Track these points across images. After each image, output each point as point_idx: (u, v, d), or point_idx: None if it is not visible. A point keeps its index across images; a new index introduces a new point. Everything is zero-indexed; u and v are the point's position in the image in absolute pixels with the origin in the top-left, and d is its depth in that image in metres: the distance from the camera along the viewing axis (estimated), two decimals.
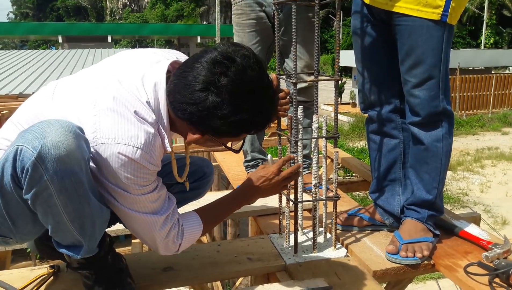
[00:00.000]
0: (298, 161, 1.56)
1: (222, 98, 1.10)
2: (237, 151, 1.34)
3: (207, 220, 1.38)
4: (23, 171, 1.03)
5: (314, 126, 1.58)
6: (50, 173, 1.03)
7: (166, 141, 1.21)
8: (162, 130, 1.20)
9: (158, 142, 1.18)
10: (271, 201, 2.10)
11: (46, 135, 1.03)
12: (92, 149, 1.12)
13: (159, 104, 1.19)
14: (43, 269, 1.48)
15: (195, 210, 1.39)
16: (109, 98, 1.16)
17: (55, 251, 1.42)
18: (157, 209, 1.24)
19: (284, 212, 1.67)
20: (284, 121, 2.84)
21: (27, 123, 1.19)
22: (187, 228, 1.33)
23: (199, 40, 22.67)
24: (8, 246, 1.26)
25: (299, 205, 1.61)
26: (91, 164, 1.13)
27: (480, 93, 15.66)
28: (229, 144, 1.31)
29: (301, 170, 1.57)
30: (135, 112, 1.14)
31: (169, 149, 1.23)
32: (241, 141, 1.34)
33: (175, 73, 1.18)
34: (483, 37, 23.05)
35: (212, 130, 1.17)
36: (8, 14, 66.84)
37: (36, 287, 1.39)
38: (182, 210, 1.41)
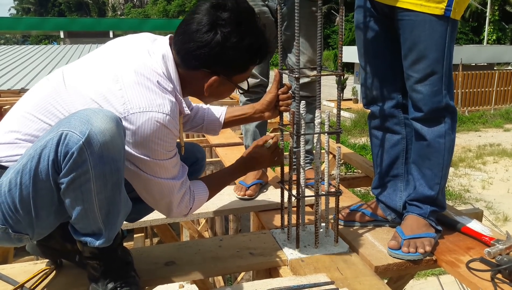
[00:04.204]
0: (300, 157, 1.56)
1: (229, 30, 1.25)
2: (246, 90, 1.45)
3: (210, 188, 1.52)
4: (67, 155, 1.08)
5: (317, 121, 1.58)
6: (94, 158, 1.09)
7: (184, 104, 1.35)
8: (179, 96, 1.33)
9: (177, 108, 1.30)
10: (273, 196, 2.10)
11: (92, 121, 1.09)
12: (124, 123, 1.18)
13: (170, 73, 1.30)
14: (45, 263, 1.49)
15: (200, 178, 1.54)
16: (131, 72, 1.24)
17: (56, 252, 1.44)
18: (175, 174, 1.35)
19: (286, 207, 1.67)
20: (286, 116, 2.84)
21: (44, 113, 1.22)
22: (197, 194, 1.46)
23: None
24: (18, 244, 1.26)
25: (301, 200, 1.61)
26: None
27: (483, 90, 15.62)
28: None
29: (302, 165, 1.57)
30: (157, 82, 1.25)
31: (187, 112, 1.38)
32: (246, 83, 1.45)
33: (177, 33, 1.31)
34: (485, 33, 22.98)
35: (226, 66, 1.31)
36: (9, 10, 66.81)
37: (38, 281, 1.40)
38: None
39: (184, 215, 1.48)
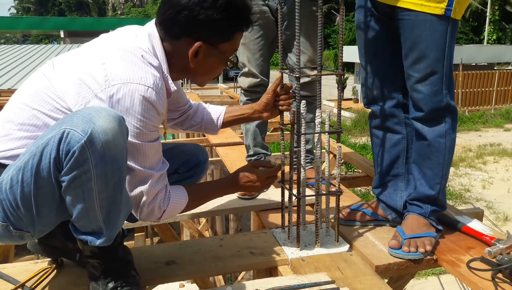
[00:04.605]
0: (300, 156, 1.56)
1: None
2: (235, 64, 1.43)
3: (192, 197, 1.43)
4: (68, 153, 1.07)
5: (317, 120, 1.58)
6: (96, 157, 1.09)
7: (170, 81, 1.32)
8: (165, 73, 1.31)
9: (163, 86, 1.27)
10: (274, 195, 2.10)
11: (95, 120, 1.08)
12: (103, 95, 1.17)
13: (156, 51, 1.30)
14: (46, 263, 1.49)
15: (183, 186, 1.45)
16: (115, 49, 1.25)
17: (57, 250, 1.44)
18: (154, 165, 1.30)
19: (287, 207, 1.67)
20: (286, 116, 2.84)
21: (36, 101, 1.22)
22: (173, 196, 1.39)
23: None
24: (19, 242, 1.26)
25: (302, 199, 1.61)
26: None
27: (483, 89, 15.61)
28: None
29: (303, 165, 1.57)
30: (142, 56, 1.25)
31: (174, 88, 1.34)
32: (236, 57, 1.45)
33: (159, 7, 1.33)
34: (486, 33, 22.97)
35: (207, 31, 1.29)
36: (9, 9, 66.79)
37: (39, 281, 1.40)
38: None
39: (155, 219, 1.39)
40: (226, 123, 1.73)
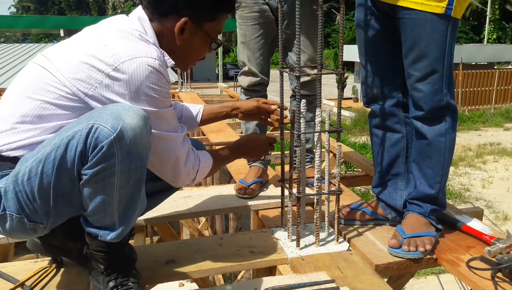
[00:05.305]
0: (301, 155, 1.56)
1: None
2: (219, 45, 1.47)
3: (214, 159, 1.53)
4: (96, 147, 1.11)
5: (317, 120, 1.58)
6: (123, 154, 1.13)
7: (166, 57, 1.36)
8: (161, 49, 1.35)
9: (164, 59, 1.32)
10: (274, 195, 2.10)
11: (124, 117, 1.13)
12: (115, 74, 1.20)
13: (147, 32, 1.34)
14: (46, 262, 1.49)
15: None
16: (113, 31, 1.29)
17: (57, 249, 1.44)
18: (176, 127, 1.37)
19: (287, 206, 1.67)
20: (287, 115, 2.84)
21: (36, 91, 1.23)
22: (201, 157, 1.48)
23: None
24: (32, 235, 1.26)
25: (302, 199, 1.61)
26: (116, 96, 1.22)
27: (483, 89, 15.61)
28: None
29: (303, 164, 1.57)
30: (140, 35, 1.30)
31: (171, 63, 1.37)
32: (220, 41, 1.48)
33: None
34: (486, 32, 22.96)
35: (193, 8, 1.33)
36: (9, 8, 66.70)
37: (38, 280, 1.40)
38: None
39: (192, 181, 1.46)
40: (205, 120, 1.79)
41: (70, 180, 1.15)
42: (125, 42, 1.26)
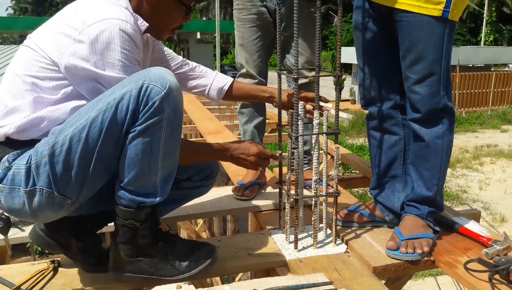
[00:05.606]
0: (299, 157, 1.56)
1: None
2: (191, 9, 1.45)
3: (184, 148, 1.43)
4: (147, 104, 1.18)
5: (315, 122, 1.58)
6: (170, 109, 1.21)
7: (140, 21, 1.34)
8: (134, 13, 1.34)
9: (136, 22, 1.31)
10: (271, 197, 2.10)
11: (168, 77, 1.21)
12: (82, 37, 1.21)
13: (128, 6, 1.35)
14: (43, 264, 1.48)
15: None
16: (88, 1, 1.32)
17: (59, 245, 1.43)
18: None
19: (285, 208, 1.67)
20: (284, 117, 2.84)
21: (22, 67, 1.27)
22: None
23: (198, 36, 22.55)
24: (57, 212, 1.26)
25: (300, 201, 1.61)
26: (80, 61, 1.22)
27: (480, 91, 15.67)
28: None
29: (301, 166, 1.57)
30: (110, 0, 1.31)
31: (145, 25, 1.35)
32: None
33: None
34: (483, 35, 23.01)
35: None
36: (7, 9, 66.59)
37: (35, 282, 1.39)
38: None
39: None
40: (236, 96, 1.83)
41: (116, 142, 1.19)
42: (95, 7, 1.28)
